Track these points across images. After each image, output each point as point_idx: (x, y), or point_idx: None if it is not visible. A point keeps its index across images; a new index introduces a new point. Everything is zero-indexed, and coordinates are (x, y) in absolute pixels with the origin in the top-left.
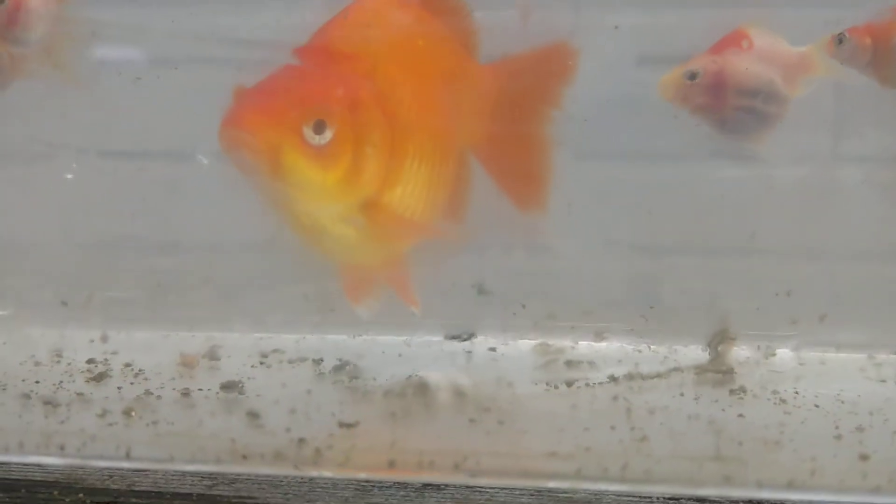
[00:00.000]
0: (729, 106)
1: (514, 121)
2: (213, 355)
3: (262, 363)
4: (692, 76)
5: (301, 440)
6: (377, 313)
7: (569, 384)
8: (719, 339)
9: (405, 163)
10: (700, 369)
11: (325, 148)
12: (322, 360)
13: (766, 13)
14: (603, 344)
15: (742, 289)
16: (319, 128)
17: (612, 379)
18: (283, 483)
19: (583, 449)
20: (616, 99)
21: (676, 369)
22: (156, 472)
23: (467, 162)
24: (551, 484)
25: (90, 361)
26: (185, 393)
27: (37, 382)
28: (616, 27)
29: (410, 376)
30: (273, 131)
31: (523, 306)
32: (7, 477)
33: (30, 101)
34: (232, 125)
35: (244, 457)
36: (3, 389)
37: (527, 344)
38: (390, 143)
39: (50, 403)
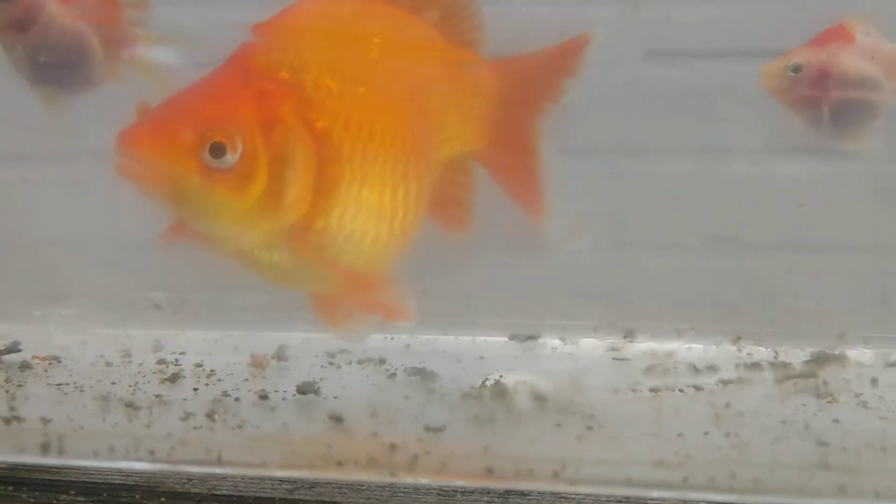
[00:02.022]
0: (830, 101)
1: (523, 122)
2: (281, 356)
3: (331, 363)
4: (797, 68)
5: (393, 446)
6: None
7: (649, 387)
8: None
9: (343, 185)
10: (784, 370)
11: (230, 171)
12: (386, 360)
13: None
14: (681, 344)
15: (825, 289)
16: (218, 150)
17: (694, 380)
18: (364, 488)
19: (683, 456)
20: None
21: (757, 369)
22: (234, 476)
23: (467, 168)
24: (655, 493)
25: (161, 362)
26: (263, 395)
27: (112, 384)
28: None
29: (486, 379)
30: (165, 156)
31: (590, 305)
32: (88, 480)
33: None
34: (122, 149)
35: (339, 463)
36: (81, 391)
37: (596, 344)
38: (319, 164)
39: (130, 406)
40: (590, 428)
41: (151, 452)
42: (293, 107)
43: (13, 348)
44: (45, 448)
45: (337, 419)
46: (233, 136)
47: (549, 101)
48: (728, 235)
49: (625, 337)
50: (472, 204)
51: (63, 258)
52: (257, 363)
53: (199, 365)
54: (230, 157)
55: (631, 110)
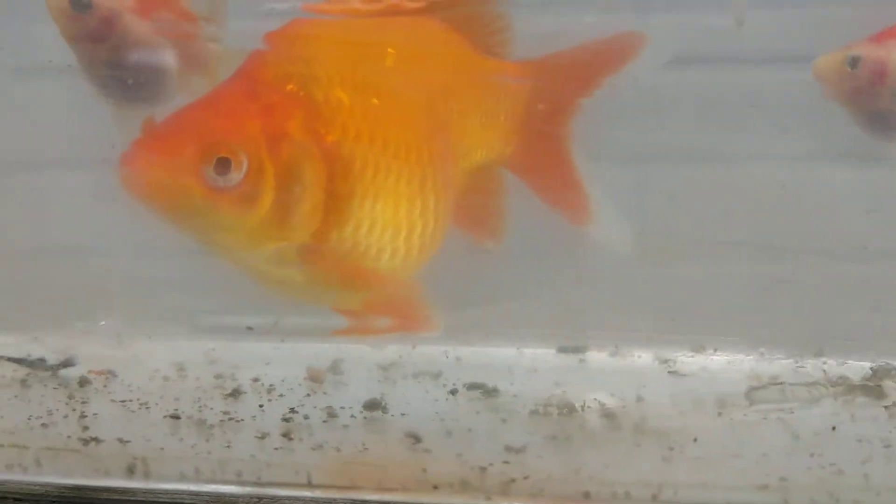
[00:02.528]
0: (886, 99)
1: (555, 124)
2: (336, 369)
3: (386, 378)
4: (854, 63)
5: (482, 469)
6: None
7: (714, 403)
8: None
9: (355, 200)
10: (846, 384)
11: (235, 188)
12: (442, 374)
13: None
14: (734, 357)
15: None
16: (223, 167)
17: (758, 395)
18: None
19: (778, 479)
20: None
21: (819, 384)
22: (323, 499)
23: (495, 175)
24: None
25: (218, 377)
26: (332, 413)
27: (176, 399)
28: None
29: (552, 394)
30: (167, 173)
31: (637, 316)
32: (156, 501)
33: None
34: (126, 166)
35: (435, 486)
36: (147, 408)
37: (647, 357)
38: (329, 179)
39: (202, 424)
40: (671, 448)
41: (239, 475)
42: (301, 120)
43: (69, 362)
44: (130, 471)
45: (415, 438)
46: (237, 152)
47: (582, 98)
48: (777, 244)
49: (678, 350)
50: (503, 212)
51: (107, 268)
52: (314, 377)
53: (256, 380)
54: (235, 174)
55: (676, 116)
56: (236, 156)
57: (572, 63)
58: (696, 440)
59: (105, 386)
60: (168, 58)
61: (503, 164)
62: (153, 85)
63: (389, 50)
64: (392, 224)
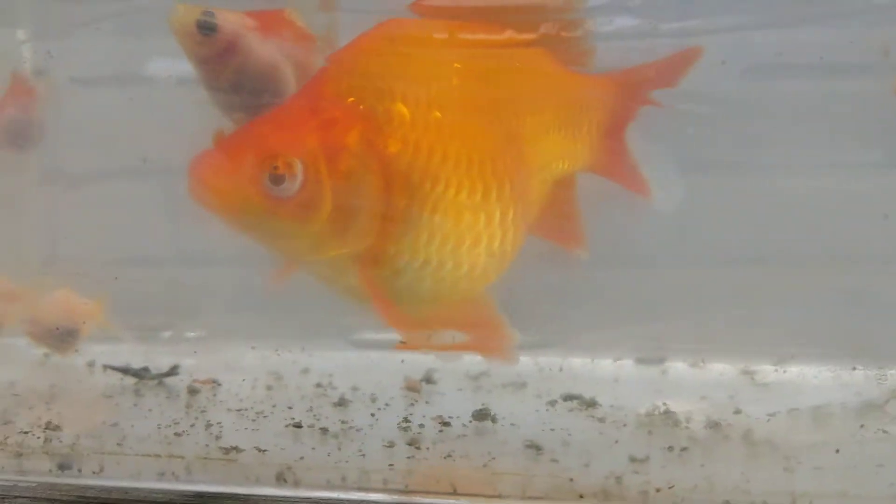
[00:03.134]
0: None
1: (625, 128)
2: (429, 378)
3: (478, 388)
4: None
5: (618, 478)
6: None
7: (810, 412)
8: None
9: (414, 212)
10: None
11: (293, 198)
12: (527, 384)
13: None
14: (815, 368)
15: None
16: (279, 178)
17: (848, 402)
18: None
19: None
20: None
21: None
22: None
23: (571, 182)
24: None
25: (318, 385)
26: (444, 422)
27: (290, 408)
28: None
29: (653, 406)
30: (229, 183)
31: (713, 325)
32: None
33: None
34: (192, 174)
35: (581, 496)
36: (264, 417)
37: (727, 368)
38: (388, 191)
39: (326, 433)
40: (787, 458)
41: (385, 483)
42: (360, 134)
43: (173, 372)
44: (280, 479)
45: (536, 448)
46: (293, 163)
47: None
48: (854, 254)
49: (758, 361)
50: (580, 216)
51: (189, 277)
52: (411, 387)
53: (355, 389)
54: (291, 184)
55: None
56: (292, 167)
57: (647, 75)
58: (806, 451)
59: (215, 395)
60: (288, 77)
61: (586, 170)
62: (274, 104)
63: (455, 64)
64: (454, 236)
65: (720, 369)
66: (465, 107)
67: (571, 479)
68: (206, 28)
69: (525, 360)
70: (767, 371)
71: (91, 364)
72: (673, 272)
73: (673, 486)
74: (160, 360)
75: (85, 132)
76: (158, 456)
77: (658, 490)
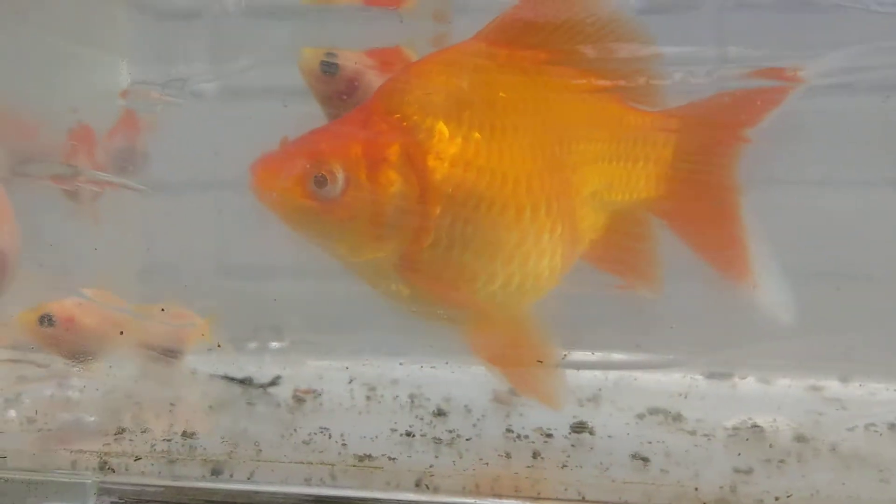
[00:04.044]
0: None
1: (707, 174)
2: (515, 391)
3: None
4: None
5: (732, 488)
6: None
7: (889, 426)
8: None
9: (446, 222)
10: None
11: (335, 201)
12: (602, 396)
13: None
14: (873, 384)
15: None
16: (321, 182)
17: None
18: None
19: None
20: None
21: None
22: None
23: (643, 220)
24: None
25: (412, 397)
26: (546, 433)
27: (393, 418)
28: None
29: (738, 419)
30: (279, 184)
31: (780, 340)
32: None
33: None
34: (252, 174)
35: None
36: (377, 426)
37: (795, 383)
38: (422, 201)
39: (440, 442)
40: (880, 470)
41: (517, 490)
42: (401, 147)
43: (275, 381)
44: (419, 485)
45: (643, 459)
46: (335, 170)
47: (741, 142)
48: None
49: (822, 377)
50: (657, 260)
51: (273, 289)
52: (501, 399)
53: (447, 400)
54: (332, 188)
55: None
56: (333, 173)
57: (723, 109)
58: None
59: (320, 405)
60: None
61: (653, 210)
62: None
63: (501, 94)
64: (487, 250)
65: (787, 384)
66: (506, 130)
67: (697, 489)
68: (330, 69)
69: (595, 375)
70: (834, 386)
71: (194, 372)
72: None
73: (791, 496)
74: (248, 370)
75: (184, 145)
76: (305, 463)
77: (777, 499)
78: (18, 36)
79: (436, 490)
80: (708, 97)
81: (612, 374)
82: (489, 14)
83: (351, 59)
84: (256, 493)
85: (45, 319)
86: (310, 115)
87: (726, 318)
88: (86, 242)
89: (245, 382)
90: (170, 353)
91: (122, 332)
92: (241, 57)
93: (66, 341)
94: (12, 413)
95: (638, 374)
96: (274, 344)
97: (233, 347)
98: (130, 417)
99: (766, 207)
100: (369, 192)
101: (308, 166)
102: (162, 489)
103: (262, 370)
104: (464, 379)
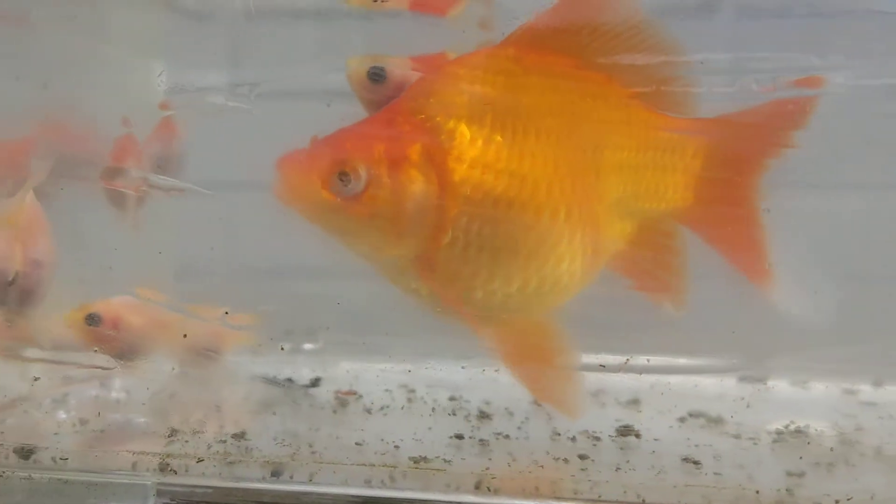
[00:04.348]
0: None
1: (739, 182)
2: None
3: (602, 403)
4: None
5: (789, 491)
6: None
7: None
8: None
9: (462, 222)
10: None
11: (357, 198)
12: (641, 400)
13: None
14: None
15: None
16: (344, 178)
17: None
18: None
19: None
20: None
21: None
22: None
23: (672, 231)
24: None
25: (452, 399)
26: (593, 436)
27: (437, 420)
28: None
29: (780, 422)
30: (304, 179)
31: (808, 345)
32: None
33: None
34: (277, 171)
35: None
36: (430, 430)
37: (829, 387)
38: (440, 201)
39: (487, 445)
40: None
41: (575, 493)
42: (423, 147)
43: (316, 383)
44: (479, 488)
45: (694, 462)
46: (357, 168)
47: (771, 157)
48: None
49: (855, 380)
50: (683, 273)
51: (308, 289)
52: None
53: (488, 402)
54: (354, 185)
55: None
56: (356, 170)
57: (754, 121)
58: None
59: (364, 407)
60: None
61: (682, 220)
62: None
63: (524, 98)
64: (504, 251)
65: (822, 388)
66: (528, 133)
67: (758, 492)
68: (377, 77)
69: (632, 378)
70: (868, 391)
71: (234, 373)
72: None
73: (851, 498)
74: (285, 371)
75: (222, 146)
76: (367, 465)
77: (837, 502)
78: (64, 40)
79: (496, 492)
80: (743, 109)
81: (649, 377)
82: None
83: (398, 66)
84: (316, 494)
85: (92, 318)
86: (354, 114)
87: (760, 322)
88: (126, 244)
89: (286, 383)
90: (211, 353)
91: (185, 335)
92: (285, 60)
93: (112, 340)
94: (62, 414)
95: (671, 377)
96: (308, 345)
97: (269, 348)
98: (179, 418)
99: (803, 211)
100: (390, 189)
101: (332, 163)
102: (212, 490)
103: (298, 371)
104: (501, 381)
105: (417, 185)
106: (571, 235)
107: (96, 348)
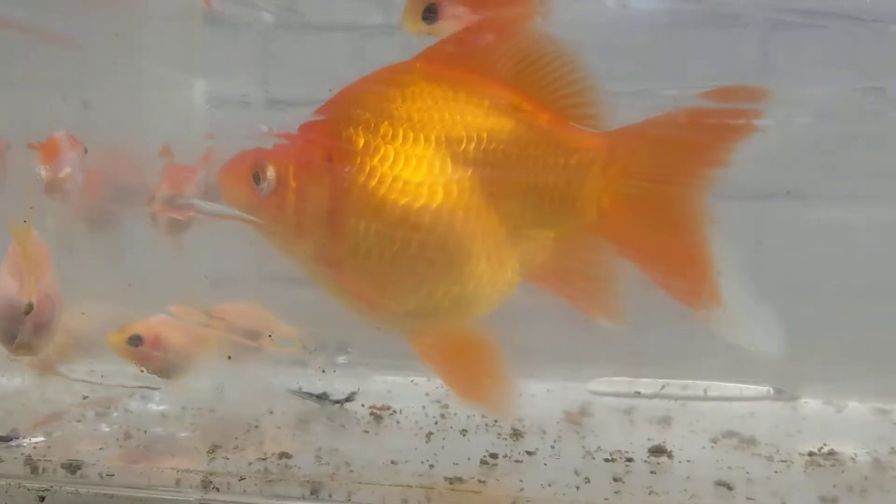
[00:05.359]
0: None
1: (664, 196)
2: (585, 411)
3: (632, 421)
4: None
5: None
6: None
7: None
8: None
9: (351, 221)
10: None
11: (270, 198)
12: (672, 419)
13: None
14: None
15: None
16: (257, 179)
17: None
18: None
19: None
20: None
21: None
22: None
23: (594, 245)
24: None
25: (484, 416)
26: (626, 457)
27: (469, 439)
28: None
29: (813, 444)
30: (232, 181)
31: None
32: None
33: None
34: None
35: None
36: (459, 446)
37: (862, 405)
38: (334, 202)
39: (521, 464)
40: None
41: None
42: (324, 152)
43: (351, 397)
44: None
45: (727, 486)
46: (268, 170)
47: (708, 168)
48: None
49: (888, 398)
50: (611, 284)
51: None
52: (572, 419)
53: (520, 420)
54: (266, 185)
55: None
56: (265, 172)
57: (668, 133)
58: None
59: (398, 422)
60: None
61: (601, 235)
62: None
63: (423, 109)
64: (403, 258)
65: (853, 407)
66: (425, 142)
67: None
68: (430, 16)
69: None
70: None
71: (269, 387)
72: (806, 307)
73: None
74: (317, 385)
75: None
76: (404, 486)
77: None
78: (107, 58)
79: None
80: (659, 115)
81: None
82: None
83: (451, 5)
84: None
85: (134, 340)
86: None
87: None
88: (161, 261)
89: (321, 398)
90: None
91: (229, 357)
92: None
93: (154, 359)
94: (105, 428)
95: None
96: (341, 359)
97: (300, 362)
98: (220, 434)
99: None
100: (294, 191)
101: (250, 165)
102: None
103: (330, 385)
104: (533, 399)
105: (316, 189)
106: (471, 243)
107: (142, 368)
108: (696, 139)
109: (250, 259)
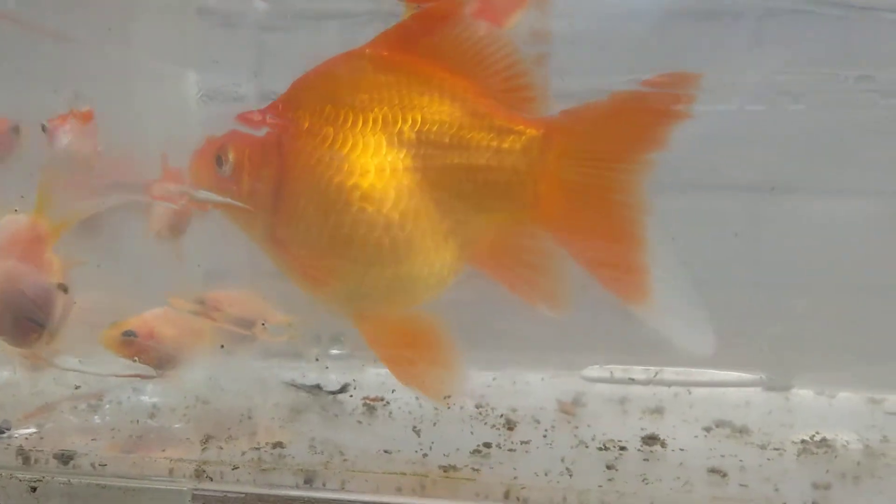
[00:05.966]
0: None
1: (599, 187)
2: (578, 401)
3: (625, 411)
4: None
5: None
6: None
7: None
8: None
9: (297, 202)
10: None
11: (229, 179)
12: (665, 409)
13: None
14: None
15: None
16: (219, 161)
17: None
18: None
19: None
20: None
21: None
22: None
23: (535, 235)
24: None
25: (479, 406)
26: (619, 445)
27: (465, 428)
28: None
29: (804, 433)
30: (199, 165)
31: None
32: None
33: None
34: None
35: None
36: (453, 435)
37: (854, 395)
38: (281, 182)
39: (514, 453)
40: None
41: None
42: (276, 136)
43: (344, 389)
44: (509, 497)
45: (721, 474)
46: (228, 154)
47: (647, 152)
48: None
49: (880, 389)
50: (554, 272)
51: None
52: (566, 409)
53: (514, 410)
54: (226, 168)
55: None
56: (226, 155)
57: (606, 117)
58: None
59: (391, 413)
60: None
61: (539, 222)
62: None
63: (367, 92)
64: (340, 239)
65: (845, 397)
66: (368, 124)
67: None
68: None
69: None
70: (894, 400)
71: (263, 379)
72: (797, 299)
73: None
74: (310, 377)
75: None
76: (398, 473)
77: None
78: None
79: (525, 502)
80: (598, 100)
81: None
82: (588, 36)
83: None
84: (348, 501)
85: (128, 335)
86: None
87: (781, 330)
88: (155, 254)
89: (314, 390)
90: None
91: (222, 346)
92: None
93: (149, 352)
94: (97, 419)
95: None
96: (334, 350)
97: (293, 354)
98: (213, 425)
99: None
100: (248, 173)
101: (214, 149)
102: (245, 496)
103: (323, 376)
104: (526, 388)
105: (265, 170)
106: (408, 225)
107: (136, 359)
108: (632, 122)
109: (245, 253)
